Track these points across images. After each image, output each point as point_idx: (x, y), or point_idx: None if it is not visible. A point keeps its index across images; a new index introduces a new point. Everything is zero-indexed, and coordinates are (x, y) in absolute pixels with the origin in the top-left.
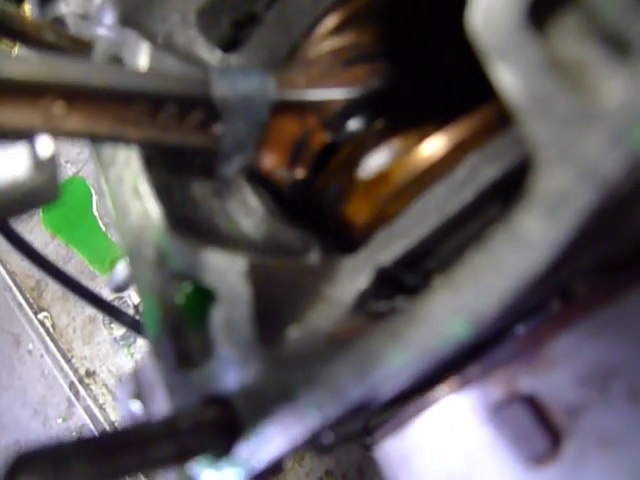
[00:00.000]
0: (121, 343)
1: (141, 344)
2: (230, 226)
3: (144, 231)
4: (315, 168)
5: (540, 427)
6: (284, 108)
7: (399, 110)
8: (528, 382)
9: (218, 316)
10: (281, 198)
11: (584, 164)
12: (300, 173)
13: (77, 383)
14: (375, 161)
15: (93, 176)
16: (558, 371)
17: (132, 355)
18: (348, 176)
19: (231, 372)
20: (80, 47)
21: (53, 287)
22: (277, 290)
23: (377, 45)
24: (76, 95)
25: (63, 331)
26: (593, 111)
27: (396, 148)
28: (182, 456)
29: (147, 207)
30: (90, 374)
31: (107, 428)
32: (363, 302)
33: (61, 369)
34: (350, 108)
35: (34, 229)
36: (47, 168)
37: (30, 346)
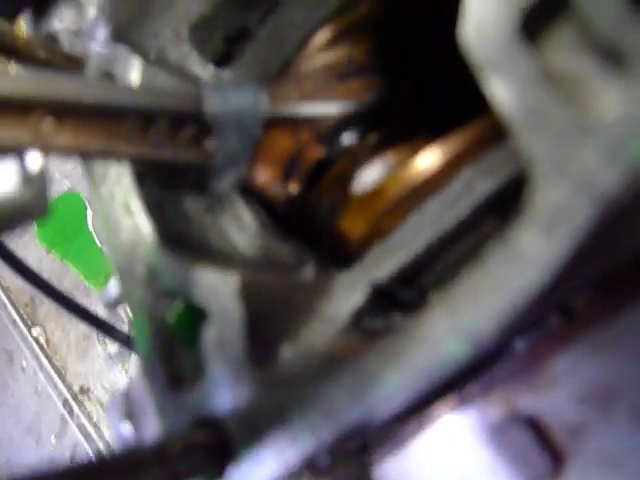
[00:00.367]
0: (116, 359)
1: (136, 360)
2: (223, 242)
3: (135, 248)
4: (309, 183)
5: (540, 448)
6: (277, 123)
7: (393, 124)
8: (528, 401)
9: (210, 335)
10: (275, 213)
11: (581, 178)
12: (294, 188)
13: (71, 400)
14: (369, 175)
15: (87, 191)
16: (558, 390)
17: (127, 371)
18: (342, 191)
19: (223, 393)
20: (73, 64)
21: (47, 303)
22: (270, 307)
23: (371, 59)
24: (66, 111)
25: (57, 347)
26: (589, 124)
27: (390, 162)
28: None
29: (138, 223)
30: (84, 391)
31: (101, 446)
32: (359, 319)
33: (55, 386)
34: (344, 123)
35: (29, 244)
36: (36, 183)
37: (24, 363)
